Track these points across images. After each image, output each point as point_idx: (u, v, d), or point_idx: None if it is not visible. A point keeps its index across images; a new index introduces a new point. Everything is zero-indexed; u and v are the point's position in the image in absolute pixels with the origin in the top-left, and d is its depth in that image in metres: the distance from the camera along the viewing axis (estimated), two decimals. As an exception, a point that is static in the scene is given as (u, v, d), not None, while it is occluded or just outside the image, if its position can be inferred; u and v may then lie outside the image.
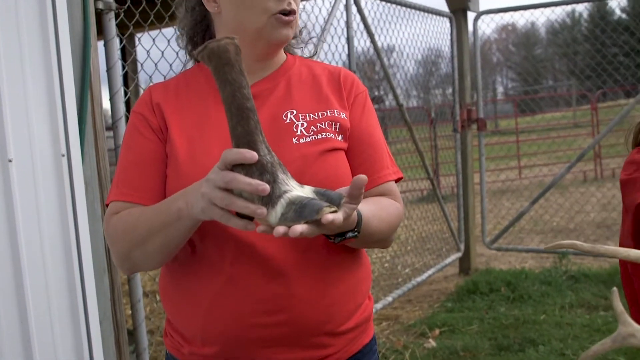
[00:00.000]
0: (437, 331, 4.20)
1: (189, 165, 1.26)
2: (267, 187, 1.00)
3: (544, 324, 4.17)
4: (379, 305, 4.20)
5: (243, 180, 1.01)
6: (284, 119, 1.30)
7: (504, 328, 4.16)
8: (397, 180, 1.39)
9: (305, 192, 1.04)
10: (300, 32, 1.48)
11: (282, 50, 1.42)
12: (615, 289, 0.85)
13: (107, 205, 1.34)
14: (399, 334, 4.25)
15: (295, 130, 1.29)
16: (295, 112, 1.31)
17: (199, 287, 1.28)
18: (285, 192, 1.02)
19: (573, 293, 4.77)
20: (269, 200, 1.01)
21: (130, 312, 2.76)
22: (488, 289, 4.96)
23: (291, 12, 1.27)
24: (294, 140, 1.27)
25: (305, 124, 1.29)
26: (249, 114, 1.03)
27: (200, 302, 1.28)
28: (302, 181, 1.11)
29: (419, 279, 4.98)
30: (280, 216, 1.01)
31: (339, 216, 1.00)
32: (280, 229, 0.98)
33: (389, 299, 4.42)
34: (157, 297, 4.45)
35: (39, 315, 1.89)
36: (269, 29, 1.28)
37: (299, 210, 0.99)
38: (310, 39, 1.50)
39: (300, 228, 0.97)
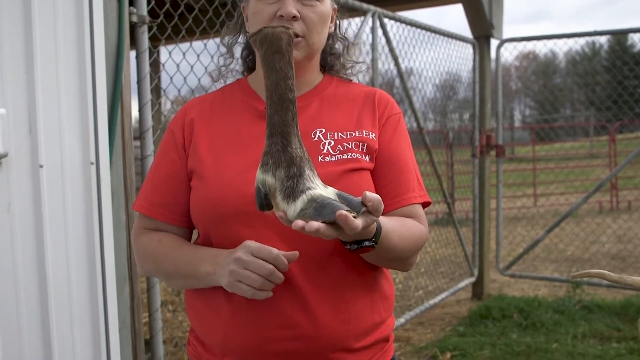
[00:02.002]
0: (448, 354, 4.18)
1: (215, 179, 1.31)
2: (280, 275, 1.17)
3: (555, 352, 4.14)
4: (391, 327, 4.17)
5: (264, 270, 1.17)
6: (312, 136, 1.33)
7: (516, 355, 4.13)
8: (424, 205, 1.40)
9: (328, 192, 1.05)
10: (346, 51, 1.50)
11: (317, 71, 1.45)
12: (640, 318, 0.87)
13: (134, 209, 1.45)
14: (409, 356, 4.23)
15: (322, 148, 1.31)
16: (324, 130, 1.34)
17: (221, 299, 1.31)
18: (309, 188, 1.03)
19: (586, 323, 4.73)
20: (290, 193, 1.03)
21: (146, 320, 2.78)
22: (501, 315, 4.93)
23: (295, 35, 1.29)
24: (320, 158, 1.30)
25: (333, 143, 1.32)
26: (289, 105, 1.05)
27: (222, 314, 1.31)
28: None
29: (431, 301, 4.96)
30: (299, 211, 1.02)
31: (357, 222, 1.00)
32: (299, 223, 1.00)
33: (401, 320, 4.41)
34: (171, 308, 4.47)
35: (60, 320, 1.92)
36: None
37: (319, 209, 1.00)
38: (356, 62, 1.52)
39: (317, 225, 0.99)
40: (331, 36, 1.45)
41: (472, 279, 5.65)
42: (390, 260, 1.32)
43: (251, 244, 1.20)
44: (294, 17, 1.28)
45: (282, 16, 1.28)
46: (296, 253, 1.21)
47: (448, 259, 5.78)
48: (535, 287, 6.12)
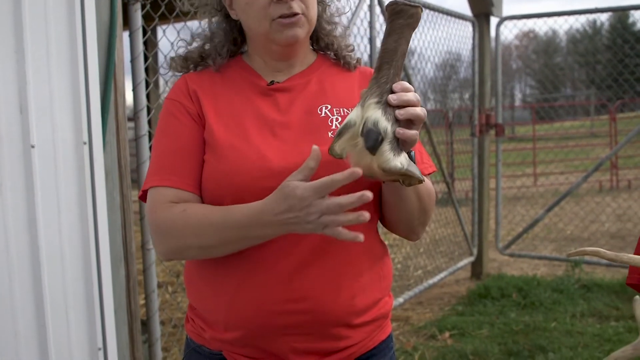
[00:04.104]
0: (447, 334, 4.20)
1: (229, 151, 1.29)
2: (366, 214, 1.08)
3: (554, 331, 4.15)
4: (389, 306, 4.18)
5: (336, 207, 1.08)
6: (319, 112, 1.34)
7: (514, 334, 4.14)
8: (429, 173, 1.42)
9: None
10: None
11: (310, 50, 1.46)
12: (637, 297, 0.85)
13: (144, 192, 1.35)
14: (408, 335, 4.25)
15: (330, 124, 1.32)
16: (329, 106, 1.35)
17: (225, 274, 1.31)
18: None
19: (585, 302, 4.74)
20: (397, 145, 1.11)
21: (143, 302, 2.78)
22: (499, 294, 4.94)
23: (293, 15, 1.30)
24: (330, 134, 1.30)
25: (340, 118, 1.33)
26: (399, 56, 1.14)
27: (226, 289, 1.31)
28: (338, 172, 1.13)
29: (430, 281, 4.97)
30: (399, 166, 1.09)
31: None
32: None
33: (400, 300, 4.42)
34: (170, 289, 4.48)
35: (55, 302, 1.91)
36: (274, 33, 1.32)
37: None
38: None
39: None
40: (324, 17, 1.45)
41: (471, 259, 5.66)
42: (414, 211, 1.33)
43: (300, 192, 1.09)
44: None
45: (279, 0, 1.27)
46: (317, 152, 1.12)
47: (447, 239, 5.78)
48: (535, 266, 6.13)
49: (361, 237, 1.10)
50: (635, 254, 1.49)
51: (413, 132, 1.12)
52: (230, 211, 1.23)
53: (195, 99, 1.36)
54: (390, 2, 1.14)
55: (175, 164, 1.32)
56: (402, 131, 1.10)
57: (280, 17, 1.29)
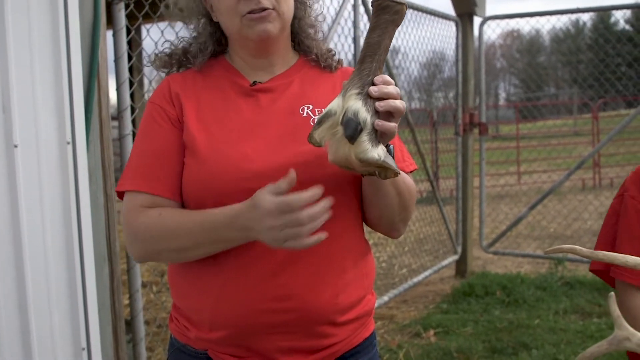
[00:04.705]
0: (431, 332, 4.22)
1: (210, 153, 1.29)
2: (322, 206, 1.13)
3: (537, 328, 4.19)
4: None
5: (305, 220, 1.13)
6: (301, 112, 1.35)
7: (498, 331, 4.18)
8: (411, 171, 1.43)
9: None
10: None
11: (292, 50, 1.46)
12: (612, 294, 0.87)
13: (119, 193, 1.37)
14: (393, 334, 4.27)
15: (312, 124, 1.32)
16: (311, 106, 1.36)
17: (209, 274, 1.31)
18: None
19: (567, 299, 4.78)
20: (376, 137, 1.12)
21: (127, 302, 2.77)
22: (484, 292, 4.98)
23: (262, 10, 1.30)
24: None
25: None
26: (382, 51, 1.15)
27: (211, 288, 1.31)
28: (315, 174, 1.24)
29: (415, 279, 4.99)
30: (377, 158, 1.11)
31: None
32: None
33: (385, 298, 4.44)
34: (154, 288, 4.47)
35: (38, 302, 1.90)
36: (245, 29, 1.33)
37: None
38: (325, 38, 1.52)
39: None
40: (306, 20, 1.45)
41: (455, 257, 5.69)
42: (395, 207, 1.33)
43: (268, 205, 1.14)
44: None
45: None
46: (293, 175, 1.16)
47: (432, 237, 5.81)
48: (518, 264, 6.18)
49: (323, 236, 1.15)
50: (595, 249, 1.53)
51: (392, 125, 1.13)
52: (206, 213, 1.26)
53: (176, 102, 1.37)
54: None
55: (152, 168, 1.33)
56: (381, 123, 1.12)
57: (250, 12, 1.30)
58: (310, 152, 1.26)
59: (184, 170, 1.33)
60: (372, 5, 1.17)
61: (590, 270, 1.58)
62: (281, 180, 1.14)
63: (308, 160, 1.26)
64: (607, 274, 1.54)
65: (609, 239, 1.51)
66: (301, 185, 1.20)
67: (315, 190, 1.13)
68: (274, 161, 1.27)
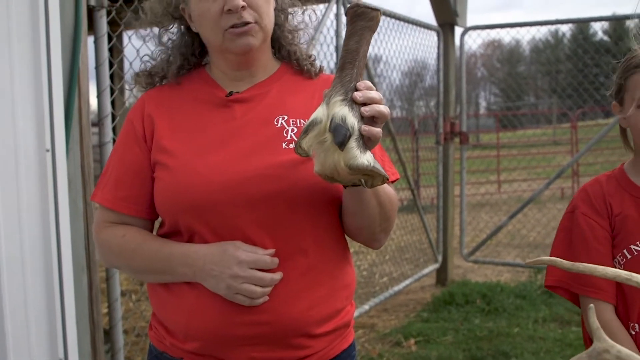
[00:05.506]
0: (412, 340, 4.23)
1: (179, 166, 1.31)
2: (277, 277, 1.26)
3: (517, 337, 4.21)
4: (355, 313, 4.18)
5: (264, 282, 1.25)
6: (275, 123, 1.34)
7: (478, 340, 4.19)
8: (393, 181, 1.42)
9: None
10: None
11: (273, 58, 1.45)
12: (592, 305, 0.87)
13: (94, 200, 1.42)
14: (374, 342, 4.26)
15: (285, 135, 1.32)
16: (286, 117, 1.35)
17: (185, 285, 1.32)
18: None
19: (547, 307, 4.82)
20: (364, 143, 1.12)
21: (106, 310, 2.74)
22: (464, 300, 5.00)
23: (245, 24, 1.30)
24: (284, 145, 1.30)
25: (296, 130, 1.33)
26: (361, 57, 1.16)
27: (186, 300, 1.32)
28: (288, 185, 1.26)
29: (396, 288, 5.00)
30: (366, 164, 1.10)
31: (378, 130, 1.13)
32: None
33: (366, 307, 4.44)
34: (134, 297, 4.43)
35: (15, 311, 1.88)
36: (227, 42, 1.33)
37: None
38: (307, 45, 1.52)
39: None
40: (286, 27, 1.45)
41: (436, 265, 5.71)
42: (376, 217, 1.33)
43: (242, 255, 1.24)
44: (243, 7, 1.29)
45: (230, 10, 1.28)
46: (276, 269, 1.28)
47: (413, 246, 5.82)
48: (498, 272, 6.21)
49: (278, 277, 1.27)
50: (550, 255, 1.55)
51: (378, 130, 1.13)
52: (166, 243, 1.33)
53: (148, 121, 1.38)
54: (351, 5, 1.16)
55: (122, 185, 1.38)
56: (368, 128, 1.11)
57: (232, 27, 1.30)
58: (280, 165, 1.27)
59: (155, 184, 1.35)
60: (346, 13, 1.17)
61: (546, 287, 1.59)
62: (261, 250, 1.25)
63: (279, 172, 1.27)
64: (563, 290, 1.56)
65: (562, 255, 1.53)
66: (271, 196, 1.24)
67: (275, 262, 1.26)
68: (243, 172, 1.27)
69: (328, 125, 1.10)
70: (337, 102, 1.11)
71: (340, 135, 1.08)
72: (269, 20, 1.35)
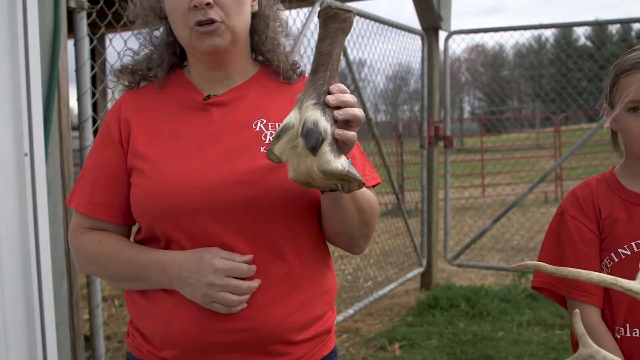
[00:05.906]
0: (396, 345, 4.22)
1: (156, 171, 1.29)
2: (254, 285, 1.24)
3: (501, 340, 4.22)
4: (339, 318, 4.20)
5: (240, 290, 1.23)
6: (254, 127, 1.32)
7: (463, 344, 4.19)
8: (374, 185, 1.40)
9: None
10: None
11: (250, 60, 1.43)
12: (577, 310, 0.86)
13: (70, 206, 1.40)
14: (358, 347, 4.25)
15: (263, 139, 1.30)
16: (265, 121, 1.33)
17: (161, 292, 1.30)
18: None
19: (531, 311, 4.83)
20: (338, 148, 1.10)
21: (87, 317, 2.71)
22: (448, 304, 5.00)
23: (211, 22, 1.28)
24: (262, 149, 1.29)
25: (274, 133, 1.30)
26: (334, 59, 1.14)
27: (163, 306, 1.30)
28: (266, 190, 1.24)
29: (380, 292, 4.99)
30: (340, 169, 1.07)
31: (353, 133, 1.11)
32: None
33: (350, 311, 4.43)
34: (117, 302, 4.38)
35: (-7, 317, 1.84)
36: (194, 41, 1.31)
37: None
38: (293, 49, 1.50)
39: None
40: (268, 34, 1.42)
41: (420, 269, 5.71)
42: (356, 222, 1.30)
43: (219, 263, 1.22)
44: (208, 4, 1.27)
45: (196, 6, 1.26)
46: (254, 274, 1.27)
47: (397, 250, 5.82)
48: (483, 276, 6.23)
49: (255, 285, 1.25)
50: (539, 257, 1.55)
51: (352, 134, 1.10)
52: (142, 250, 1.32)
53: (125, 125, 1.36)
54: (323, 7, 1.14)
55: (97, 191, 1.36)
56: (342, 132, 1.09)
57: (199, 24, 1.28)
58: (258, 170, 1.25)
59: (131, 189, 1.33)
60: (318, 15, 1.15)
61: (533, 288, 1.59)
62: (239, 256, 1.24)
63: (256, 177, 1.25)
64: (549, 292, 1.56)
65: (550, 258, 1.53)
66: (249, 202, 1.23)
67: (253, 270, 1.24)
68: (220, 177, 1.25)
69: (300, 130, 1.07)
70: (310, 106, 1.09)
71: (312, 140, 1.05)
72: (239, 21, 1.32)
